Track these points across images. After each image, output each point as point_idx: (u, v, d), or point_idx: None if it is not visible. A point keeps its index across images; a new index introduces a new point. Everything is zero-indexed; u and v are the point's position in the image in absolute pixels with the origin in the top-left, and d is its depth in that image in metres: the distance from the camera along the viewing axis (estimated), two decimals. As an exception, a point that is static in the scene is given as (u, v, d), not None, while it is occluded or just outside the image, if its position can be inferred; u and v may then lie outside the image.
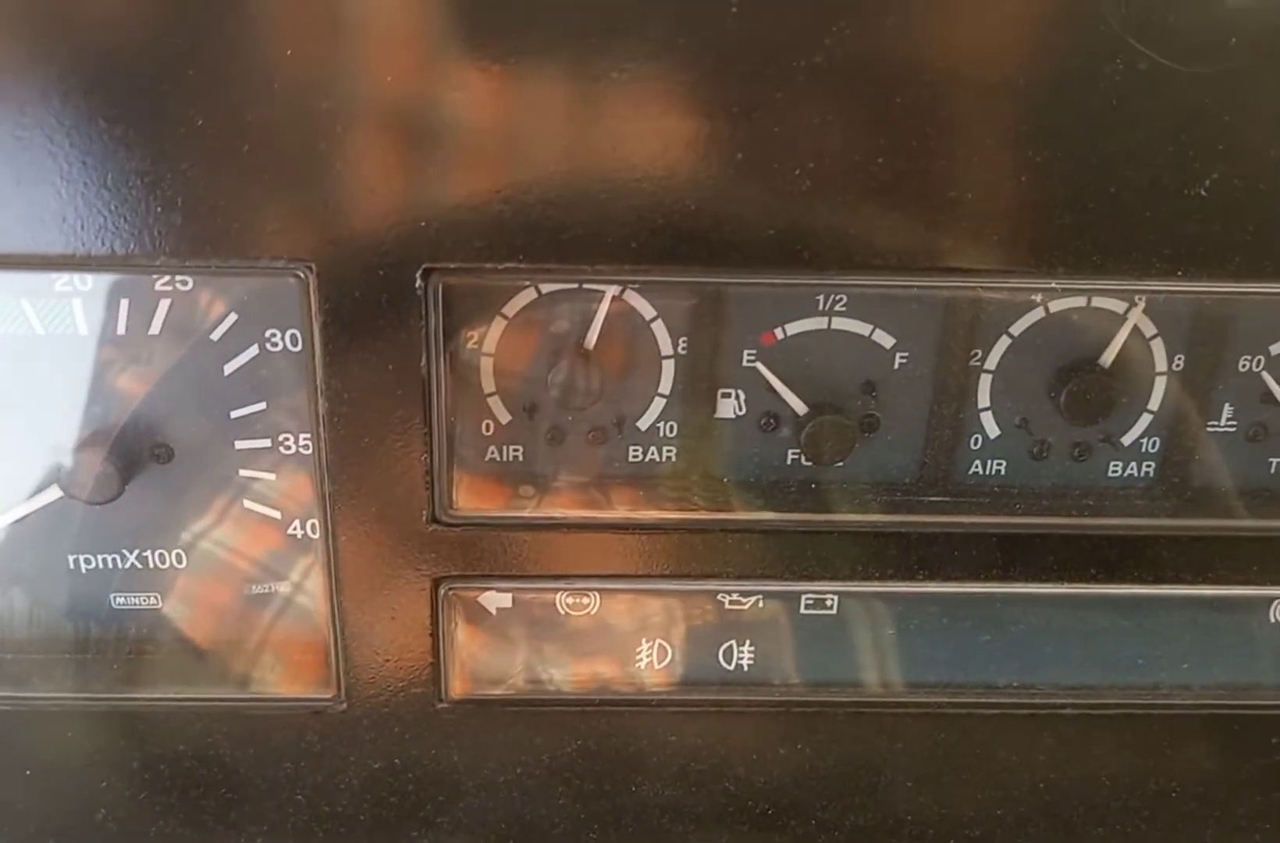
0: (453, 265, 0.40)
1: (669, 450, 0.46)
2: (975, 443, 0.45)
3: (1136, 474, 0.46)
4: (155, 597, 0.48)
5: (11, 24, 0.36)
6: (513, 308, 0.43)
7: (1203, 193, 0.38)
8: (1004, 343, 0.44)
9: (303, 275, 0.40)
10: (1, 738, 0.48)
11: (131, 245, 0.39)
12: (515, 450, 0.46)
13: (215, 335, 0.44)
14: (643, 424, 0.45)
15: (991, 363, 0.44)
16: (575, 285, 0.43)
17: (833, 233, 0.39)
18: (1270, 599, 0.47)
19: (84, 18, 0.36)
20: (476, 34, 0.37)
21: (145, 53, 0.37)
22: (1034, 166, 0.38)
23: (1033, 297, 0.43)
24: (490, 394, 0.45)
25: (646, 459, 0.46)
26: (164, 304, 0.44)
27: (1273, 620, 0.47)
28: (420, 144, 0.38)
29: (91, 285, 0.43)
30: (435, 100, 0.37)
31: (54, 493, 0.46)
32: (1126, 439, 0.45)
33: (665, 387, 0.45)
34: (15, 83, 0.37)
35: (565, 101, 0.38)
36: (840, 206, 0.39)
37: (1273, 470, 0.45)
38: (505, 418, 0.45)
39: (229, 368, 0.44)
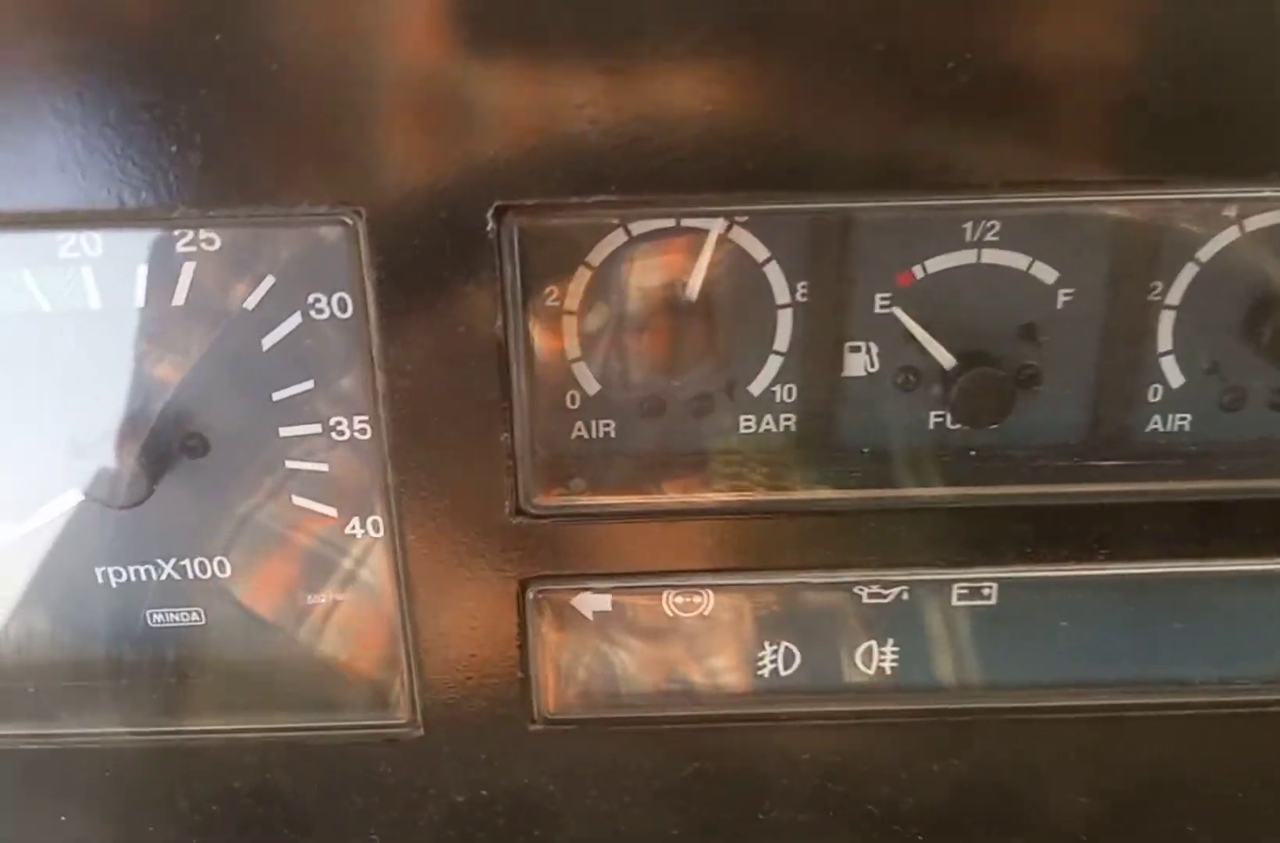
0: (530, 202, 0.33)
1: (787, 418, 0.39)
2: (1155, 394, 0.39)
3: (1353, 424, 0.39)
4: (197, 612, 0.42)
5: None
6: (598, 255, 0.37)
7: None
8: (1190, 271, 0.37)
9: (350, 222, 0.33)
10: (29, 781, 0.42)
11: (144, 195, 0.33)
12: (606, 426, 0.39)
13: (250, 303, 0.38)
14: (755, 388, 0.39)
15: (1175, 297, 0.37)
16: (673, 223, 0.36)
17: (984, 143, 0.32)
18: None
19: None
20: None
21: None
22: (1224, 57, 0.31)
23: (1225, 212, 0.36)
24: (575, 360, 0.38)
25: (761, 430, 0.39)
26: (188, 268, 0.37)
27: None
28: (481, 55, 0.31)
29: (102, 249, 0.37)
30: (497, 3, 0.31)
31: (73, 497, 0.40)
32: (1340, 383, 0.38)
33: (782, 342, 0.38)
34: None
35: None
36: (994, 110, 0.32)
37: None
38: (593, 388, 0.39)
39: (268, 342, 0.38)
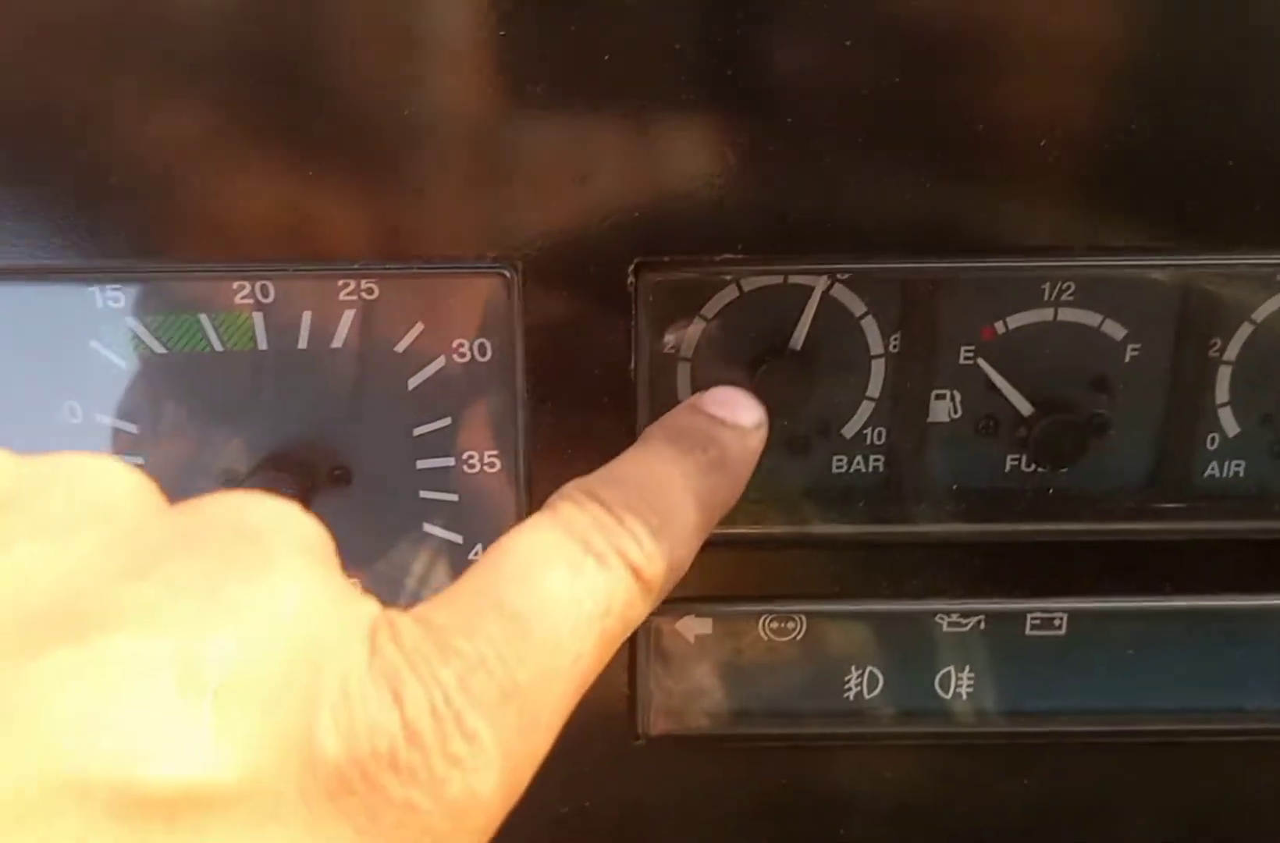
0: (666, 259, 0.37)
1: (876, 460, 0.43)
2: (1212, 442, 0.42)
3: (1395, 475, 0.42)
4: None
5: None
6: (712, 308, 0.41)
7: None
8: (1246, 330, 0.40)
9: (508, 275, 0.38)
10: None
11: (332, 248, 0.37)
12: (715, 462, 0.43)
13: (400, 347, 0.42)
14: (848, 431, 0.42)
15: (1232, 353, 0.41)
16: (780, 280, 0.40)
17: (1072, 212, 0.37)
18: None
19: None
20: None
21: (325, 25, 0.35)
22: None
23: (1278, 278, 0.40)
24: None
25: (852, 469, 0.43)
26: (349, 315, 0.42)
27: None
28: (629, 130, 0.36)
29: (274, 297, 0.41)
30: (650, 85, 0.36)
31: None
32: (1383, 433, 0.42)
33: (874, 389, 0.42)
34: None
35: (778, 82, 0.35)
36: (1079, 184, 0.36)
37: None
38: (814, 429, 0.42)
39: (413, 382, 0.42)
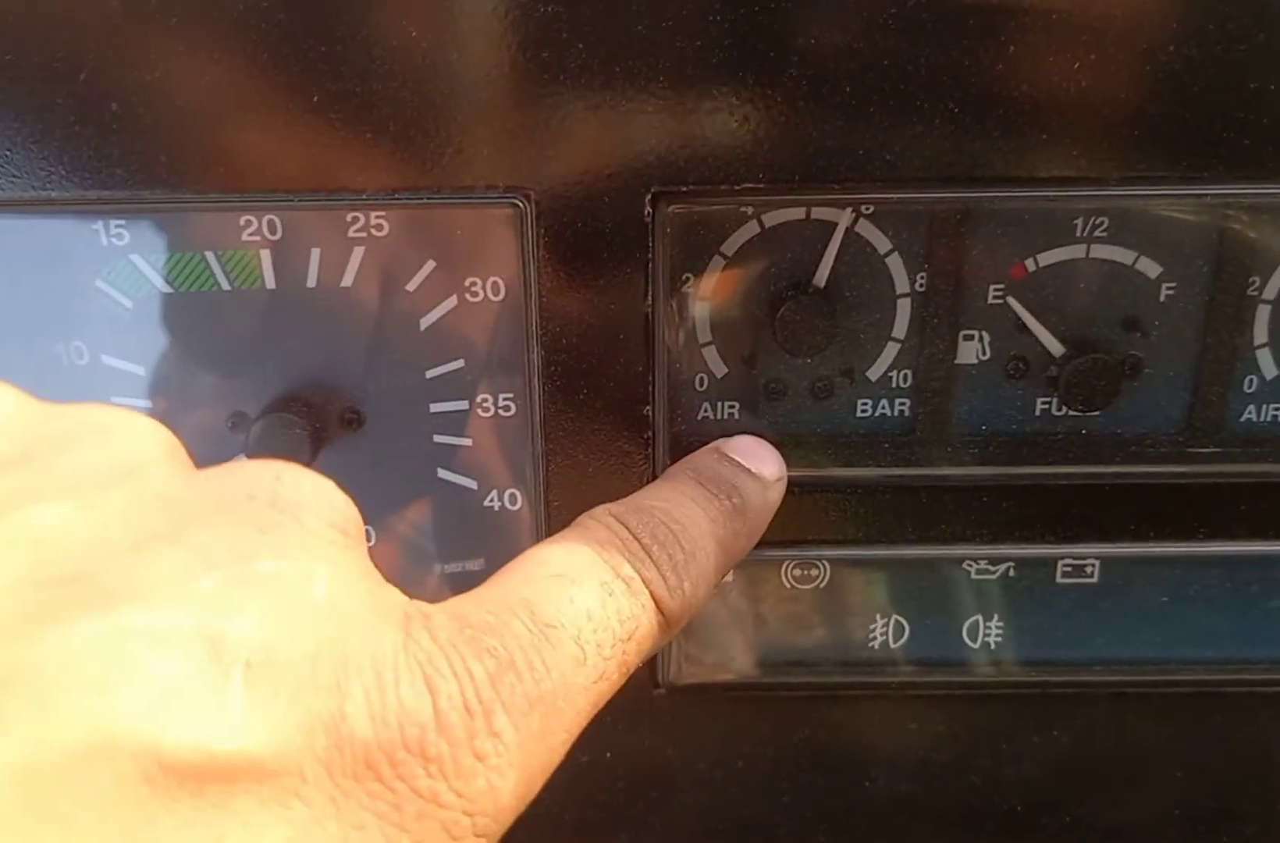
0: (685, 188, 0.36)
1: (902, 403, 0.42)
2: (1249, 385, 0.41)
3: None
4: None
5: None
6: (733, 245, 0.40)
7: None
8: (1287, 268, 0.39)
9: (521, 205, 0.37)
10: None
11: (341, 178, 0.36)
12: (731, 407, 0.42)
13: (411, 286, 0.41)
14: (873, 374, 0.41)
15: (1271, 293, 0.39)
16: (803, 215, 0.39)
17: (1099, 139, 0.35)
18: None
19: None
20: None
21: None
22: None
23: (1321, 213, 0.38)
24: (705, 344, 0.41)
25: (877, 413, 0.42)
26: (358, 252, 0.40)
27: None
28: (644, 56, 0.35)
29: (281, 233, 0.40)
30: (668, 15, 0.34)
31: (239, 464, 0.43)
32: None
33: (900, 330, 0.41)
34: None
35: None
36: (1112, 109, 0.35)
37: None
38: (721, 371, 0.41)
39: (425, 322, 0.41)
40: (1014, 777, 0.43)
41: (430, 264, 0.40)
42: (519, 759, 0.22)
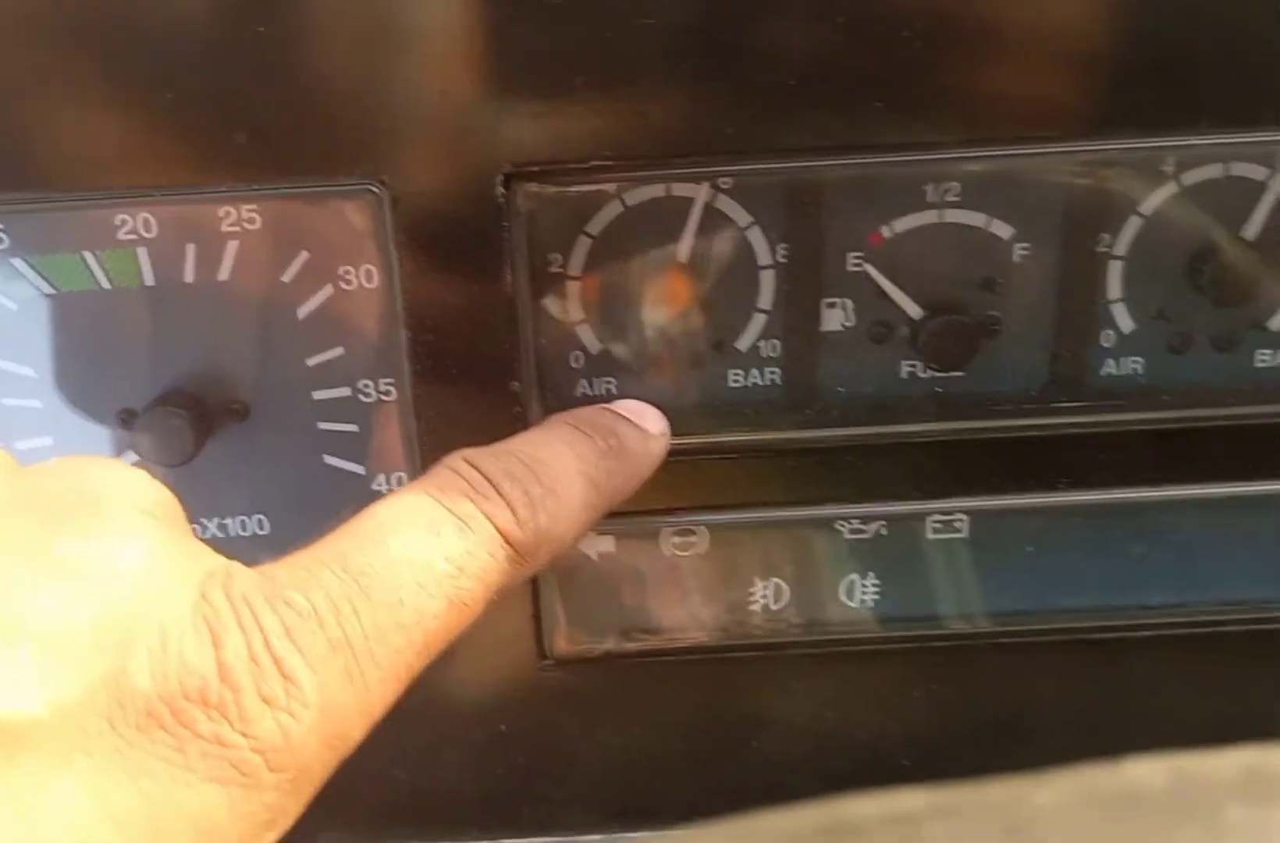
0: (535, 168, 0.37)
1: (772, 372, 0.43)
2: (1108, 339, 0.42)
3: (1289, 363, 0.42)
4: (240, 566, 0.45)
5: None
6: (598, 225, 0.40)
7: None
8: (1135, 224, 0.40)
9: (376, 191, 0.37)
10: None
11: (198, 173, 0.37)
12: (608, 383, 0.43)
13: (287, 277, 0.42)
14: (742, 344, 0.42)
15: (1122, 248, 0.40)
16: (663, 193, 0.40)
17: (943, 101, 0.36)
18: None
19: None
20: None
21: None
22: (1151, 10, 0.35)
23: (1163, 168, 0.39)
24: (579, 322, 0.42)
25: (749, 382, 0.43)
26: (232, 246, 0.41)
27: None
28: (488, 34, 0.36)
29: (157, 231, 0.41)
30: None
31: (129, 459, 0.43)
32: (1275, 324, 0.41)
33: (765, 301, 0.42)
34: None
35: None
36: (951, 70, 0.36)
37: None
38: (596, 347, 0.42)
39: (302, 311, 0.42)
40: (900, 732, 0.44)
41: (304, 255, 0.41)
42: (318, 699, 0.24)
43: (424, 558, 0.27)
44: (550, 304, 0.41)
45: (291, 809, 0.24)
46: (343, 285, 0.41)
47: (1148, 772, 0.15)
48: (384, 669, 0.25)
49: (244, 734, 0.23)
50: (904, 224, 0.40)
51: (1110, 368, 0.42)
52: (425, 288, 0.38)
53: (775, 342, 0.42)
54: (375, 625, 0.25)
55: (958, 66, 0.36)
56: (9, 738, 0.21)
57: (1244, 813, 0.13)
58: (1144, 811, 0.13)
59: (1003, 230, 0.40)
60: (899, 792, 0.14)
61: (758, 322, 0.42)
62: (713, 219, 0.40)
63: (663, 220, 0.40)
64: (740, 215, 0.41)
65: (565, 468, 0.33)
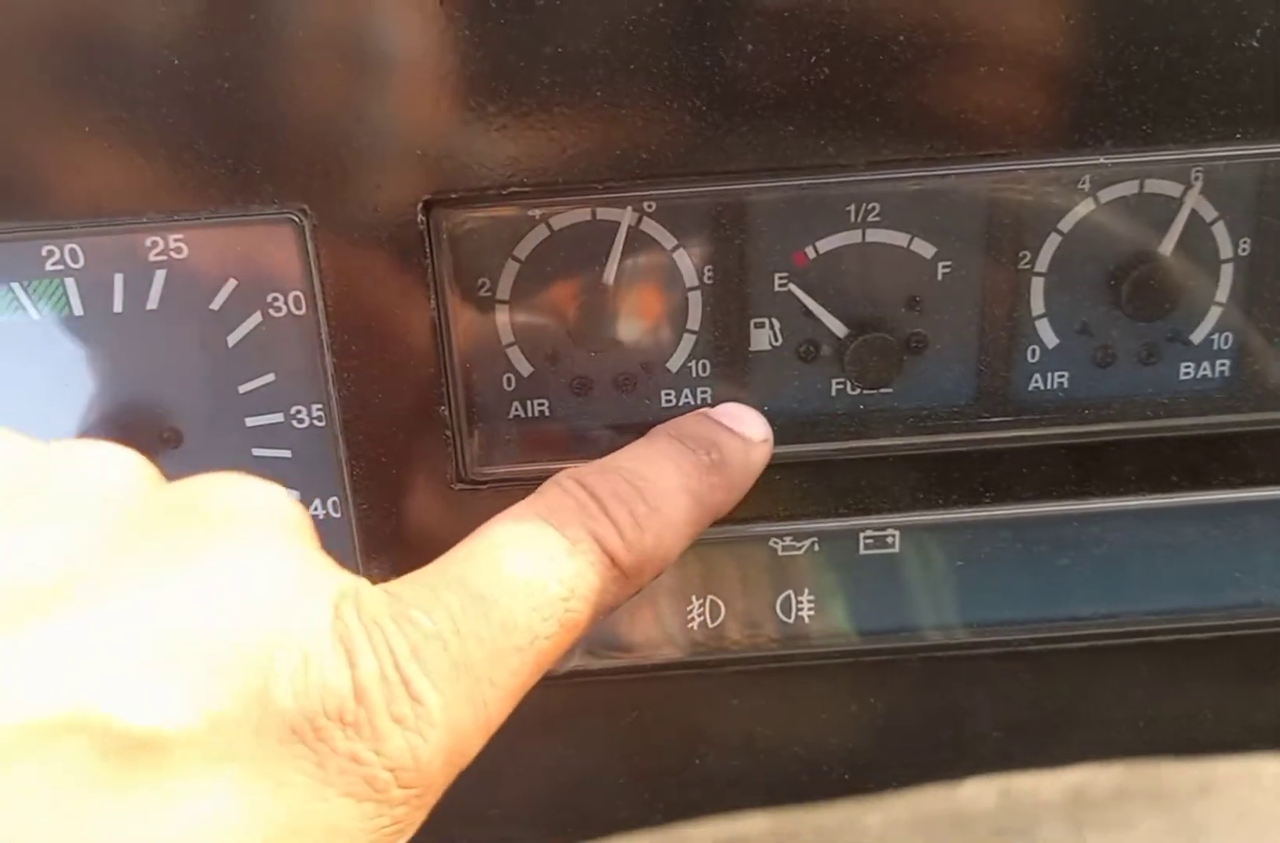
0: (454, 196, 0.37)
1: (704, 391, 0.43)
2: (1033, 355, 0.42)
3: (1211, 375, 0.42)
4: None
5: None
6: (525, 249, 0.41)
7: (1253, 43, 0.35)
8: (1054, 241, 0.41)
9: (298, 220, 0.38)
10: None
11: (119, 203, 0.37)
12: (540, 405, 0.43)
13: (215, 305, 0.42)
14: (673, 365, 0.43)
15: (1043, 264, 0.41)
16: (589, 217, 0.40)
17: (856, 123, 0.37)
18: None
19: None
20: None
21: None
22: (1065, 30, 0.35)
23: (1080, 185, 0.40)
24: (509, 345, 0.42)
25: (681, 403, 0.43)
26: (160, 275, 0.41)
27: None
28: (404, 63, 0.36)
29: (84, 261, 0.41)
30: (415, 13, 0.35)
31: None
32: (1196, 337, 0.42)
33: (694, 322, 0.42)
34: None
35: (551, 5, 0.35)
36: (862, 93, 0.36)
37: (1363, 356, 0.42)
38: (527, 370, 0.42)
39: (232, 339, 0.42)
40: (837, 746, 0.44)
41: (232, 283, 0.41)
42: (443, 721, 0.25)
43: (539, 581, 0.28)
44: (480, 328, 0.41)
45: (416, 821, 0.26)
46: (272, 312, 0.42)
47: (978, 793, 0.15)
48: (501, 689, 0.27)
49: (377, 753, 0.24)
50: (827, 244, 0.41)
51: (1036, 383, 0.43)
52: (349, 315, 0.38)
53: (705, 362, 0.43)
54: (494, 648, 0.27)
55: (872, 89, 0.36)
56: (165, 746, 0.22)
57: (1059, 834, 0.13)
58: (966, 831, 0.14)
59: (925, 249, 0.41)
60: (741, 816, 0.14)
61: (687, 342, 0.42)
62: (639, 242, 0.41)
63: (589, 244, 0.41)
64: (666, 238, 0.41)
65: (669, 485, 0.34)
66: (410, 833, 0.26)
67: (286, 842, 0.23)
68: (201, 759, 0.23)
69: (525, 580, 0.28)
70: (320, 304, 0.38)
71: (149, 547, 0.25)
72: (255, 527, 0.27)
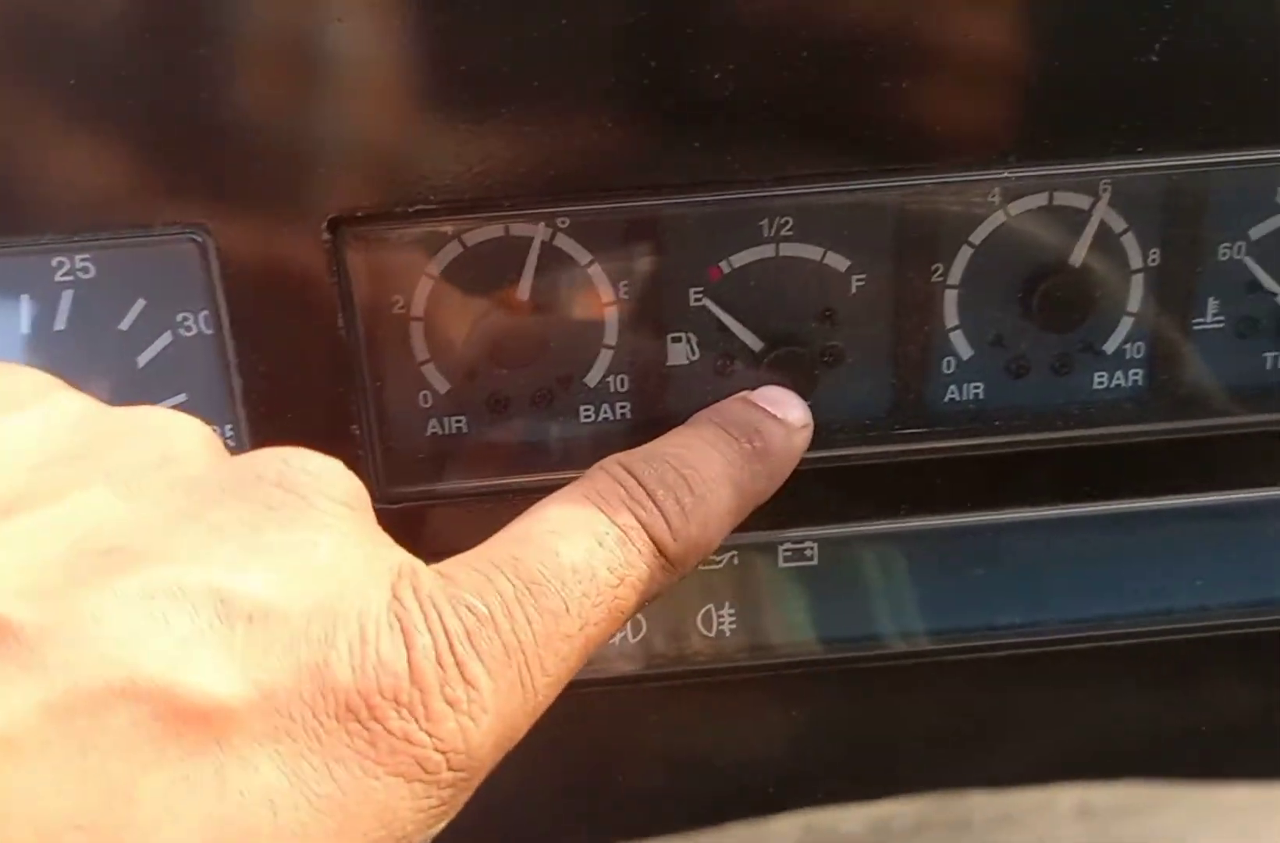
0: (360, 214, 0.37)
1: (622, 406, 0.43)
2: (948, 366, 0.42)
3: (1124, 384, 0.43)
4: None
5: None
6: (438, 265, 0.40)
7: (1153, 58, 0.35)
8: (966, 253, 0.41)
9: (200, 240, 0.37)
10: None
11: (19, 223, 0.37)
12: (458, 422, 0.43)
13: (124, 325, 0.41)
14: (591, 380, 0.42)
15: (955, 277, 0.41)
16: (502, 233, 0.40)
17: (764, 138, 0.37)
18: (1280, 501, 0.44)
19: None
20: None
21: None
22: (970, 45, 0.35)
23: (990, 198, 0.40)
24: (424, 362, 0.42)
25: (600, 418, 0.43)
26: (67, 295, 0.41)
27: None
28: (308, 78, 0.35)
29: (-13, 282, 0.40)
30: (318, 30, 0.35)
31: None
32: (1109, 347, 0.42)
33: (610, 337, 0.42)
34: None
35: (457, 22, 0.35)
36: (769, 108, 0.36)
37: (1268, 366, 0.42)
38: (443, 387, 0.42)
39: (142, 359, 0.41)
40: (763, 760, 0.44)
41: (140, 302, 0.41)
42: (494, 704, 0.25)
43: (589, 568, 0.29)
44: (394, 346, 0.41)
45: (459, 804, 0.26)
46: (182, 332, 0.41)
47: (786, 828, 0.15)
48: (550, 675, 0.27)
49: (429, 734, 0.24)
50: (741, 259, 0.41)
51: (952, 394, 0.43)
52: (256, 334, 0.38)
53: (623, 377, 0.42)
54: (545, 633, 0.27)
55: (779, 104, 0.36)
56: (224, 717, 0.22)
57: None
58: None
59: (838, 262, 0.41)
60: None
61: (605, 357, 0.42)
62: (553, 258, 0.41)
63: (503, 260, 0.40)
64: (580, 254, 0.41)
65: (714, 474, 0.34)
66: (452, 816, 0.26)
67: (335, 818, 0.23)
68: (254, 731, 0.23)
69: (576, 567, 0.28)
70: (226, 324, 0.38)
71: (212, 515, 0.25)
72: (319, 500, 0.26)
